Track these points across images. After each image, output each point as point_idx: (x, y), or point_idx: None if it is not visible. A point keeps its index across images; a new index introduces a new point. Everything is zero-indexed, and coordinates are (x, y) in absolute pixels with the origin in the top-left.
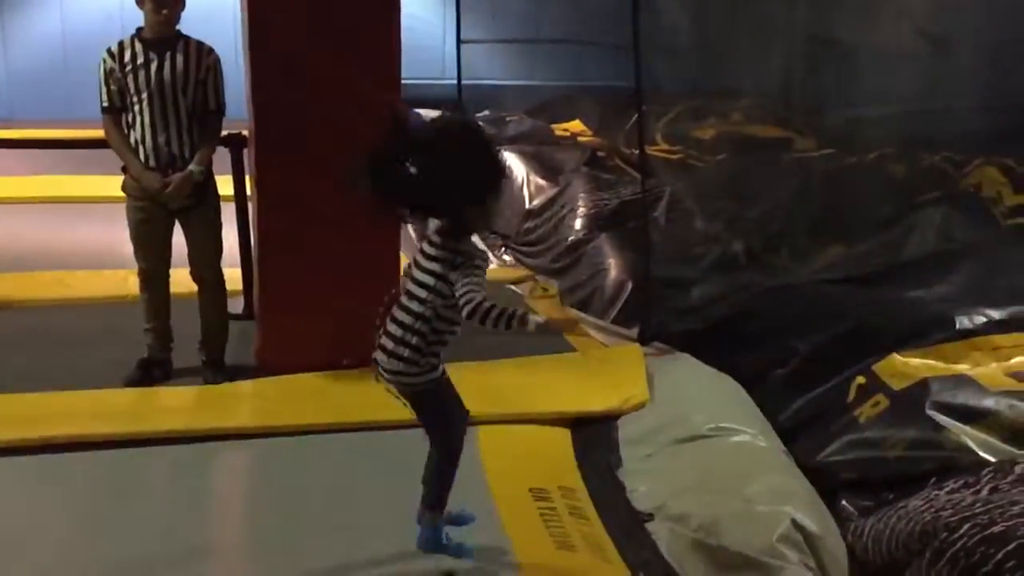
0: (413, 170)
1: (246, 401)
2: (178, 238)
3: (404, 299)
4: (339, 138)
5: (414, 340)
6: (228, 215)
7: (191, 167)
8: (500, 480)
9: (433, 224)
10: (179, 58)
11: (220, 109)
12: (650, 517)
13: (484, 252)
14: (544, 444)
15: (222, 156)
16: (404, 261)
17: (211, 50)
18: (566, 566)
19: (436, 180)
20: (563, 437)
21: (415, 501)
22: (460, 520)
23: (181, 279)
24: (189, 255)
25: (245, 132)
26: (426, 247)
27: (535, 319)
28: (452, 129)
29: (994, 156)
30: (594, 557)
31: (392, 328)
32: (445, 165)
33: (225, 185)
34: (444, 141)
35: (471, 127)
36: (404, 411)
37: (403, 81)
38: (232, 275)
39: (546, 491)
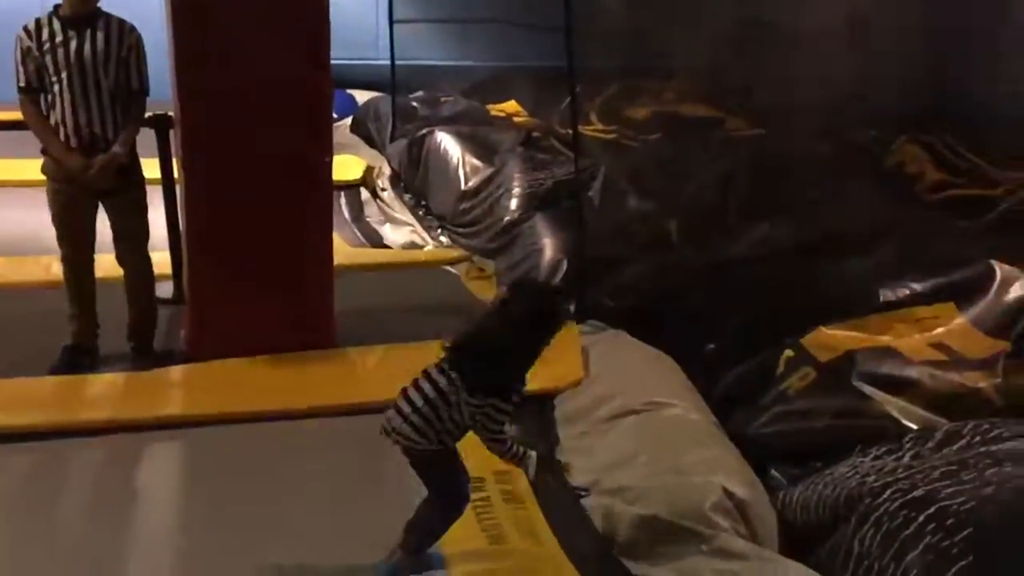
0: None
1: (176, 388)
2: (103, 222)
3: (425, 383)
4: (268, 119)
5: (429, 414)
6: (154, 198)
7: (115, 148)
8: None
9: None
10: (99, 36)
11: (143, 89)
12: (586, 493)
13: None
14: None
15: (147, 137)
16: (337, 243)
17: (133, 28)
18: (498, 559)
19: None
20: None
21: (347, 487)
22: (428, 566)
23: (107, 264)
24: (114, 240)
25: (172, 113)
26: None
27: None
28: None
29: (917, 135)
30: (526, 543)
31: (413, 395)
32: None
33: (151, 167)
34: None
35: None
36: (336, 397)
37: (334, 61)
38: (161, 259)
39: (481, 480)
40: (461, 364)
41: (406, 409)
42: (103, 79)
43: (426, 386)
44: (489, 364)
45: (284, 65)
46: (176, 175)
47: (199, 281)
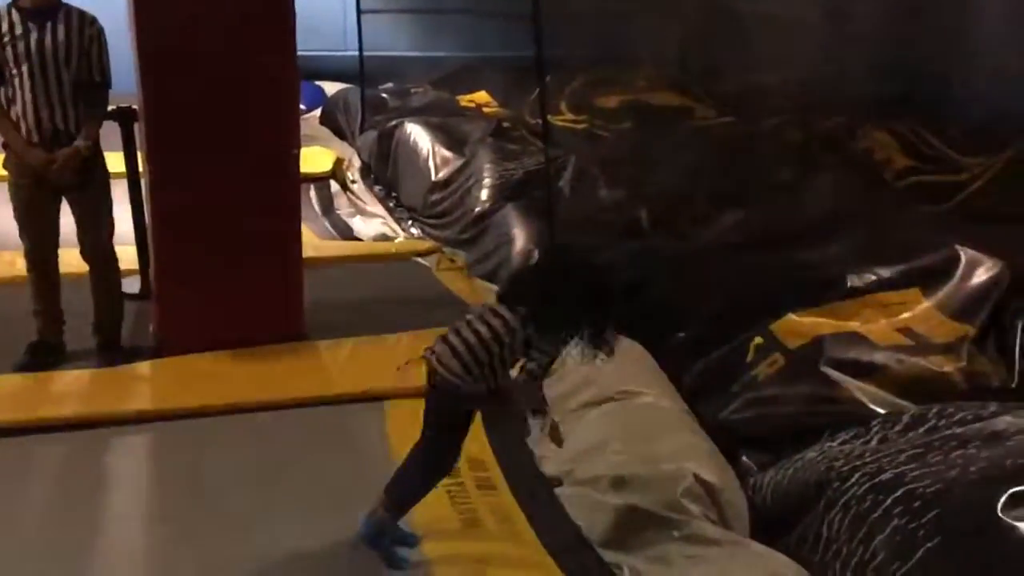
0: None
1: (144, 383)
2: (66, 217)
3: (480, 324)
4: (233, 111)
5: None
6: (118, 192)
7: (77, 142)
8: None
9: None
10: (60, 28)
11: (105, 81)
12: (559, 482)
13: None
14: None
15: (110, 131)
16: (307, 235)
17: (94, 19)
18: (472, 541)
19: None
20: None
21: (318, 479)
22: (403, 540)
23: (72, 259)
24: (78, 235)
25: (135, 106)
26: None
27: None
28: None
29: (885, 121)
30: (501, 528)
31: (466, 334)
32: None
33: (115, 161)
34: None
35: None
36: (306, 390)
37: (302, 53)
38: (128, 253)
39: (455, 467)
40: (518, 305)
41: (459, 347)
42: (64, 72)
43: (481, 327)
44: (544, 307)
45: (249, 56)
46: (141, 168)
47: (166, 275)
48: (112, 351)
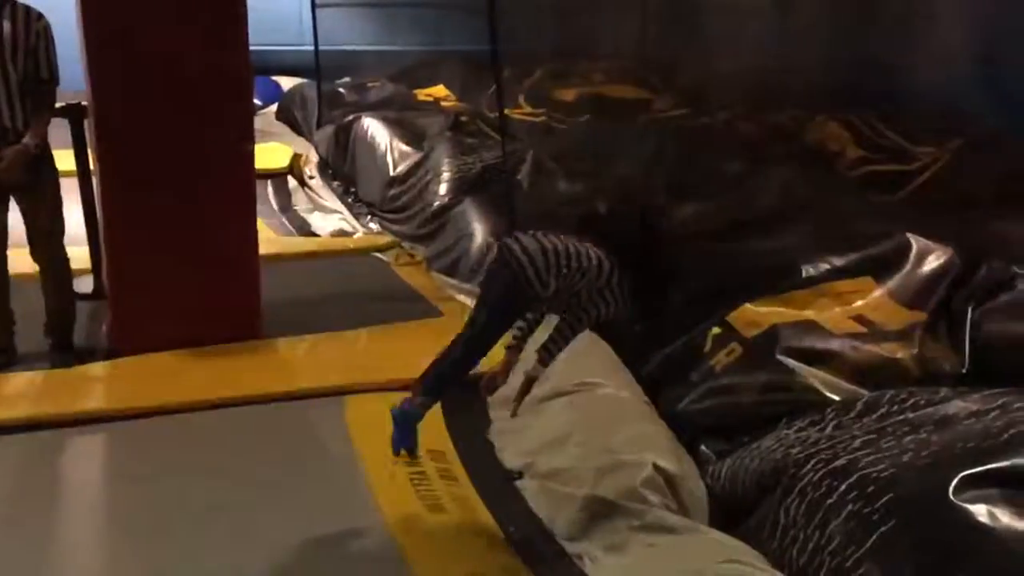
0: None
1: (98, 384)
2: (16, 217)
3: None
4: (185, 107)
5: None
6: (68, 191)
7: (25, 141)
8: (369, 448)
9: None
10: (6, 25)
11: (53, 78)
12: (519, 475)
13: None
14: None
15: (59, 128)
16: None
17: (40, 15)
18: (436, 526)
19: None
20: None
21: (277, 475)
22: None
23: (23, 260)
24: (28, 235)
25: (85, 102)
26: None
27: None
28: None
29: (837, 112)
30: (464, 516)
31: (560, 248)
32: None
33: (65, 159)
34: None
35: None
36: (264, 387)
37: (257, 48)
38: (80, 253)
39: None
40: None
41: (548, 247)
42: (11, 69)
43: (580, 246)
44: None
45: (200, 51)
46: (92, 166)
47: (119, 275)
48: (65, 352)
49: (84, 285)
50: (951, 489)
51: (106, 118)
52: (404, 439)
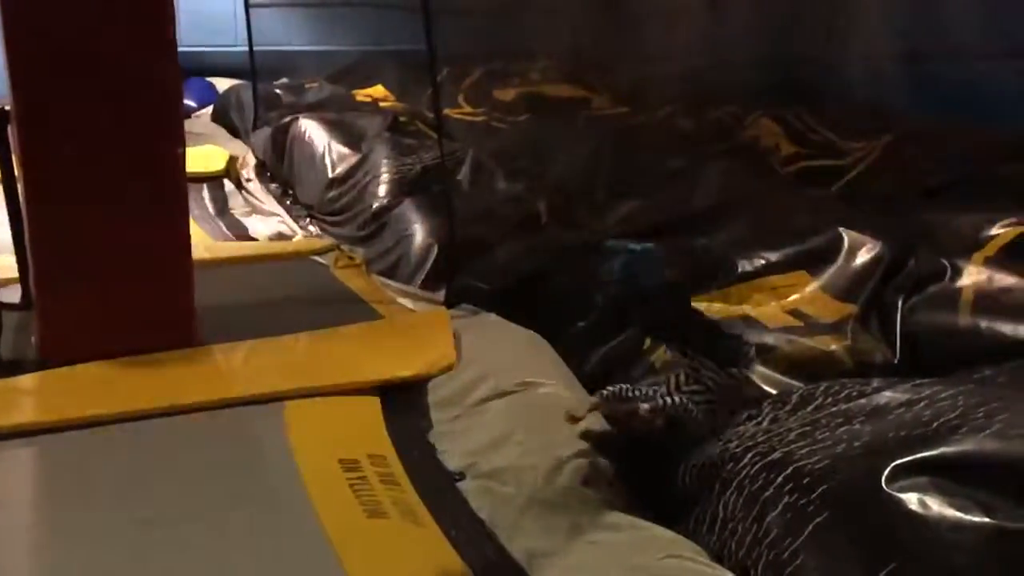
0: None
1: (27, 396)
2: None
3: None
4: (111, 110)
5: None
6: None
7: None
8: (307, 455)
9: None
10: None
11: None
12: (461, 476)
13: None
14: (353, 414)
15: None
16: (201, 237)
17: None
18: (377, 532)
19: None
20: (372, 406)
21: (215, 482)
22: None
23: None
24: None
25: (7, 107)
26: None
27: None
28: None
29: (771, 109)
30: (405, 521)
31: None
32: None
33: None
34: None
35: None
36: (200, 394)
37: (191, 48)
38: (6, 262)
39: (356, 461)
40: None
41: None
42: None
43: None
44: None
45: (126, 51)
46: (16, 173)
47: (47, 284)
48: None
49: (11, 295)
50: (883, 479)
51: (29, 124)
52: None
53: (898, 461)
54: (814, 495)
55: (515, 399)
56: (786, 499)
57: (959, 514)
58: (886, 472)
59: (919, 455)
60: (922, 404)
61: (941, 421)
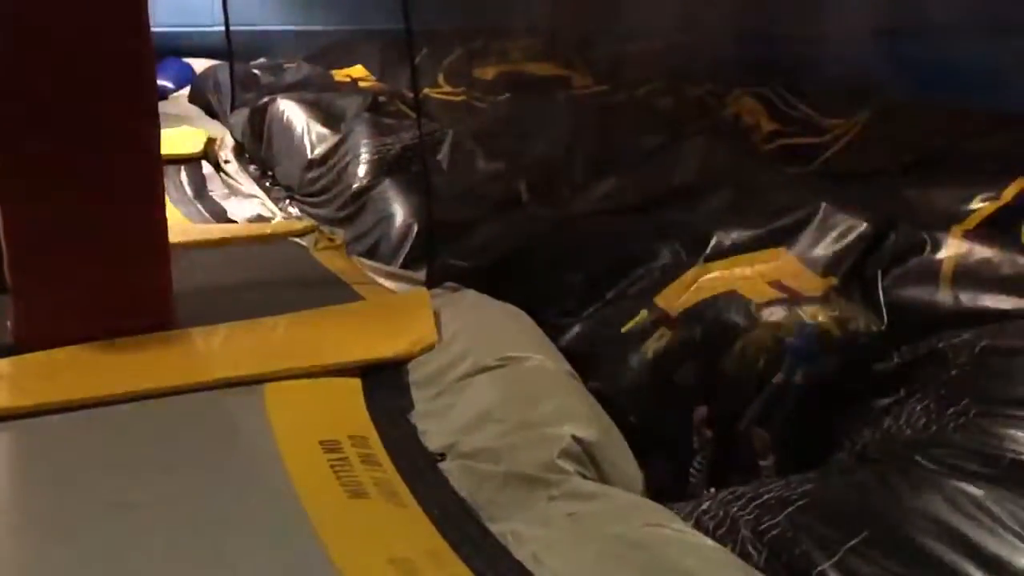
0: None
1: (1, 381)
2: None
3: None
4: (83, 92)
5: None
6: None
7: None
8: (288, 436)
9: None
10: None
11: None
12: (442, 456)
13: None
14: (333, 395)
15: None
16: (178, 220)
17: None
18: (358, 512)
19: None
20: (353, 387)
21: (196, 465)
22: None
23: None
24: None
25: None
26: None
27: None
28: None
29: (751, 86)
30: (387, 502)
31: None
32: None
33: None
34: None
35: None
36: (177, 378)
37: (167, 29)
38: None
39: (337, 442)
40: None
41: None
42: None
43: None
44: None
45: (96, 31)
46: None
47: (21, 268)
48: None
49: None
50: None
51: (0, 104)
52: None
53: None
54: None
55: (496, 375)
56: None
57: None
58: None
59: None
60: None
61: None
